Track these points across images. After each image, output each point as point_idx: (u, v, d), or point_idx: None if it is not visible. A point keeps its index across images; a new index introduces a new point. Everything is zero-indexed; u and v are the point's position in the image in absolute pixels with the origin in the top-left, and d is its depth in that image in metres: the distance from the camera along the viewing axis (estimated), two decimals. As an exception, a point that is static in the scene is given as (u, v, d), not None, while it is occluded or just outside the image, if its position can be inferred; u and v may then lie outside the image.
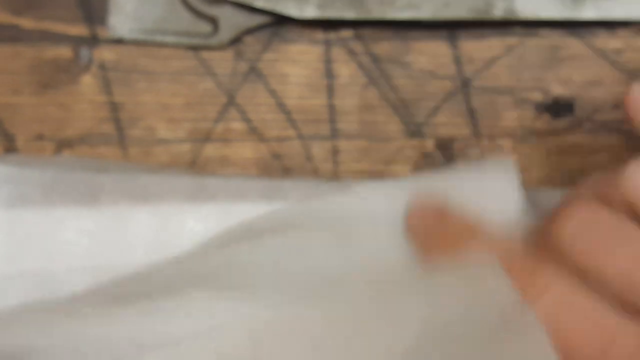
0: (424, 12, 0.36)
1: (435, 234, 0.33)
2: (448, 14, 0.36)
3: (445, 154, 0.38)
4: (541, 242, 0.30)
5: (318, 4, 0.36)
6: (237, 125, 0.38)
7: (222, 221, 0.34)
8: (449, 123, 0.38)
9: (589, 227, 0.29)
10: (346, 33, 0.38)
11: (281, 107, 0.38)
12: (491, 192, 0.35)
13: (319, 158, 0.38)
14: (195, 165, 0.38)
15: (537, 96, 0.38)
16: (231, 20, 0.37)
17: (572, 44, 0.38)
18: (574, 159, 0.38)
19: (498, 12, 0.36)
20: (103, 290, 0.35)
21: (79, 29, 0.39)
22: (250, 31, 0.37)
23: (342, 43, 0.38)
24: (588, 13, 0.36)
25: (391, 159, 0.38)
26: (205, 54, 0.38)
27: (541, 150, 0.38)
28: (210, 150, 0.38)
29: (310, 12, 0.36)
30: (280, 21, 0.37)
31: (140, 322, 0.33)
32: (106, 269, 0.34)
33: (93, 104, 0.38)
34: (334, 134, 0.38)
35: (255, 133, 0.38)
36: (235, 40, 0.37)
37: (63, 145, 0.38)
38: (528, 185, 0.37)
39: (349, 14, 0.36)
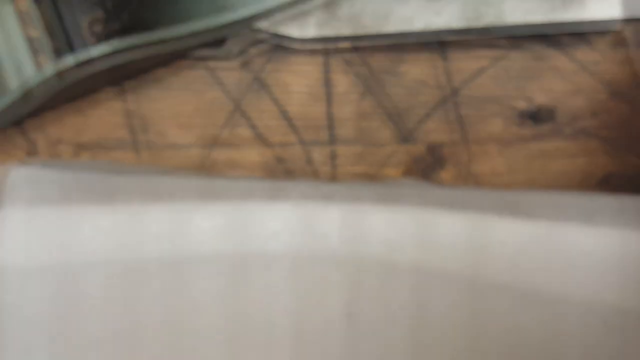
0: (417, 24, 0.37)
1: None
2: (440, 23, 0.37)
3: (435, 158, 0.39)
4: None
5: (317, 24, 0.37)
6: (243, 131, 0.39)
7: (229, 219, 0.35)
8: (439, 129, 0.39)
9: None
10: (344, 45, 0.38)
11: (283, 114, 0.39)
12: None
13: (319, 162, 0.39)
14: (203, 168, 0.39)
15: (521, 104, 0.39)
16: (237, 36, 0.38)
17: (553, 55, 0.39)
18: (555, 163, 0.39)
19: (488, 18, 0.37)
20: None
21: (96, 41, 0.40)
22: (254, 45, 0.38)
23: (340, 55, 0.38)
24: (574, 15, 0.37)
25: (384, 163, 0.39)
26: (213, 65, 0.39)
27: (525, 155, 0.39)
28: (218, 154, 0.39)
29: (310, 32, 0.37)
30: (282, 37, 0.38)
31: None
32: (120, 264, 0.35)
33: (109, 110, 0.39)
34: (332, 140, 0.39)
35: (259, 138, 0.39)
36: (241, 52, 0.38)
37: (80, 149, 0.39)
38: (513, 187, 0.38)
39: (346, 31, 0.37)
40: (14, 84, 0.37)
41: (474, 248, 0.35)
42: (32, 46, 0.38)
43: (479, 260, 0.35)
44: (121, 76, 0.39)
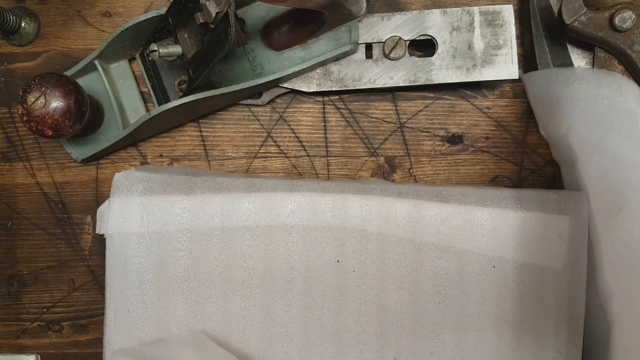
0: (378, 83, 0.37)
1: None
2: (392, 83, 0.37)
3: (390, 166, 0.39)
4: None
5: (317, 83, 0.38)
6: (272, 149, 0.39)
7: (264, 203, 0.36)
8: (393, 148, 0.39)
9: None
10: (334, 97, 0.39)
11: (297, 138, 0.39)
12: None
13: (319, 168, 0.39)
14: (248, 172, 0.40)
15: (443, 133, 0.39)
16: (269, 90, 0.39)
17: (462, 103, 0.39)
18: (463, 168, 0.39)
19: (422, 80, 0.37)
20: None
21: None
22: (279, 96, 0.39)
23: (331, 102, 0.39)
24: (475, 77, 0.37)
25: (360, 168, 0.39)
26: (254, 108, 0.40)
27: (445, 163, 0.39)
28: (257, 163, 0.39)
29: (313, 88, 0.38)
30: (296, 91, 0.39)
31: None
32: (197, 231, 0.36)
33: (191, 136, 0.40)
34: (327, 154, 0.39)
35: (282, 153, 0.40)
36: (271, 101, 0.39)
37: (173, 160, 0.40)
38: (437, 183, 0.38)
39: (335, 87, 0.38)
40: (133, 120, 0.39)
41: (413, 220, 0.36)
42: (143, 97, 0.39)
43: (416, 228, 0.36)
44: (197, 116, 0.39)
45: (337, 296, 0.36)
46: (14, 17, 0.38)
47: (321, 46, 0.37)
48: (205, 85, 0.36)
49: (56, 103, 0.33)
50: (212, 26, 0.33)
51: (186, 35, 0.35)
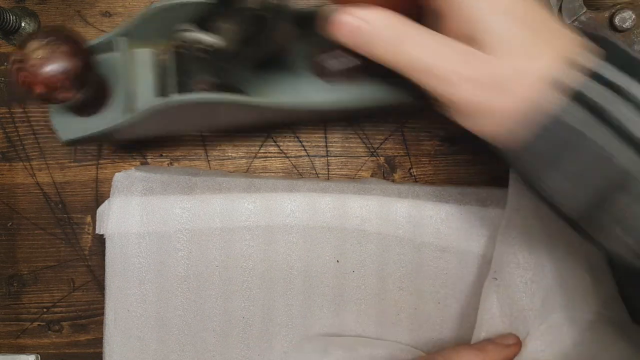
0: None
1: None
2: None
3: (390, 166, 0.39)
4: None
5: None
6: (272, 149, 0.39)
7: (263, 203, 0.36)
8: (393, 148, 0.39)
9: None
10: None
11: (297, 138, 0.39)
12: None
13: (319, 168, 0.39)
14: (248, 172, 0.40)
15: (443, 133, 0.39)
16: None
17: None
18: (463, 169, 0.39)
19: None
20: None
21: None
22: None
23: None
24: None
25: (360, 168, 0.39)
26: None
27: (445, 164, 0.39)
28: (257, 163, 0.39)
29: None
30: None
31: None
32: (197, 231, 0.36)
33: (191, 136, 0.39)
34: (327, 154, 0.39)
35: (282, 153, 0.40)
36: None
37: (173, 160, 0.40)
38: (437, 184, 0.39)
39: None
40: (140, 108, 0.33)
41: (413, 220, 0.36)
42: (163, 84, 0.35)
43: (416, 228, 0.36)
44: (206, 126, 0.37)
45: (337, 296, 0.36)
46: (14, 17, 0.38)
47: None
48: (230, 89, 0.33)
49: (58, 59, 0.29)
50: (256, 21, 0.30)
51: (225, 28, 0.32)
